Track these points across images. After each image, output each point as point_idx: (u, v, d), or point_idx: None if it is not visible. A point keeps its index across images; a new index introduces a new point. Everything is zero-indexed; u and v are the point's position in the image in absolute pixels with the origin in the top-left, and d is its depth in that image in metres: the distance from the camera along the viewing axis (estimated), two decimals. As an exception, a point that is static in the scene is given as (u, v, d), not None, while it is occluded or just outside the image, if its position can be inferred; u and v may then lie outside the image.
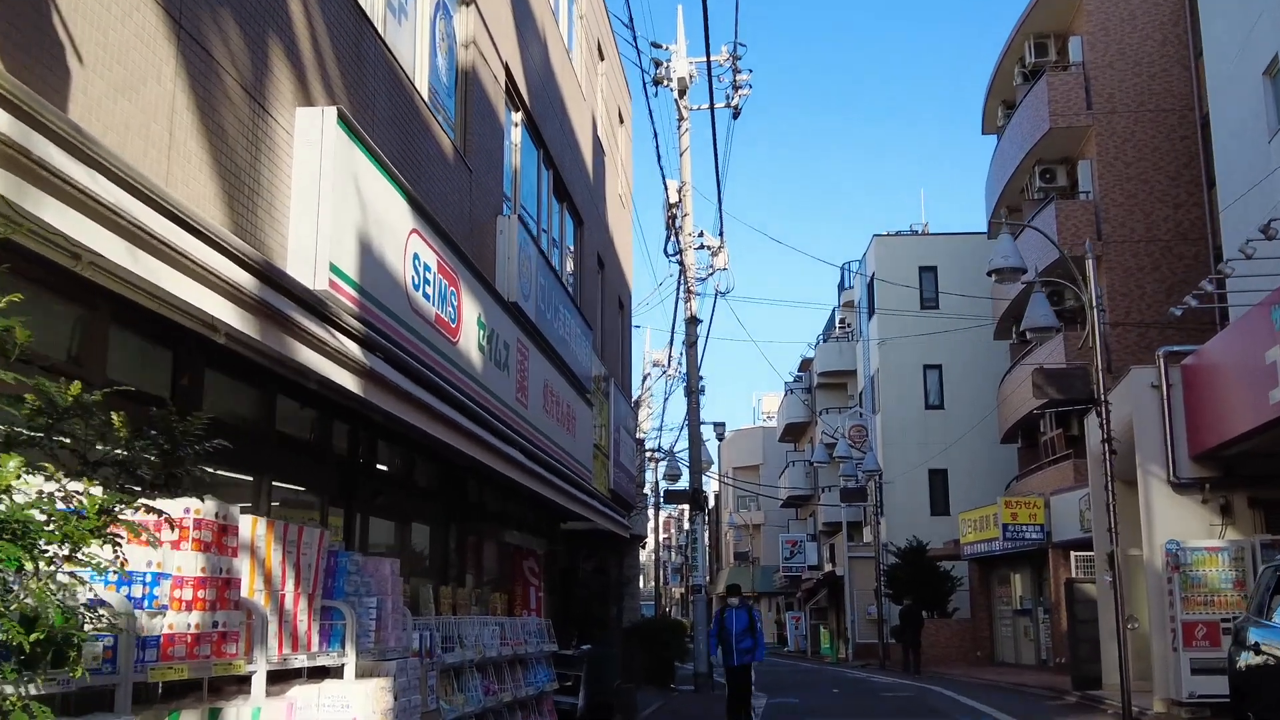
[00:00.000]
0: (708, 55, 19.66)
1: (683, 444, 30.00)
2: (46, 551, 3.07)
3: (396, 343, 7.38)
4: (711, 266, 25.45)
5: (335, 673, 5.91)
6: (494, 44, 11.66)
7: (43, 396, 3.23)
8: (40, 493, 3.11)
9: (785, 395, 58.30)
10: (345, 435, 8.22)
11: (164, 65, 5.21)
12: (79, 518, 3.11)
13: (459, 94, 10.69)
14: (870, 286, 42.47)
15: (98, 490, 3.19)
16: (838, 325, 51.23)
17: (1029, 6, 29.73)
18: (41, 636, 3.11)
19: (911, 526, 37.04)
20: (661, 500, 37.62)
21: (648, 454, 34.31)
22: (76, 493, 3.17)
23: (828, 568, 47.41)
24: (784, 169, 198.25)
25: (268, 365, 5.82)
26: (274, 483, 7.00)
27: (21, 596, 3.00)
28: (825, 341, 52.40)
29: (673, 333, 27.52)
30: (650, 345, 59.57)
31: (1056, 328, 17.77)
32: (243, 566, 5.06)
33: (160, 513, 3.46)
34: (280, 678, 5.56)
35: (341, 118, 6.69)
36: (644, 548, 34.60)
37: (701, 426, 26.52)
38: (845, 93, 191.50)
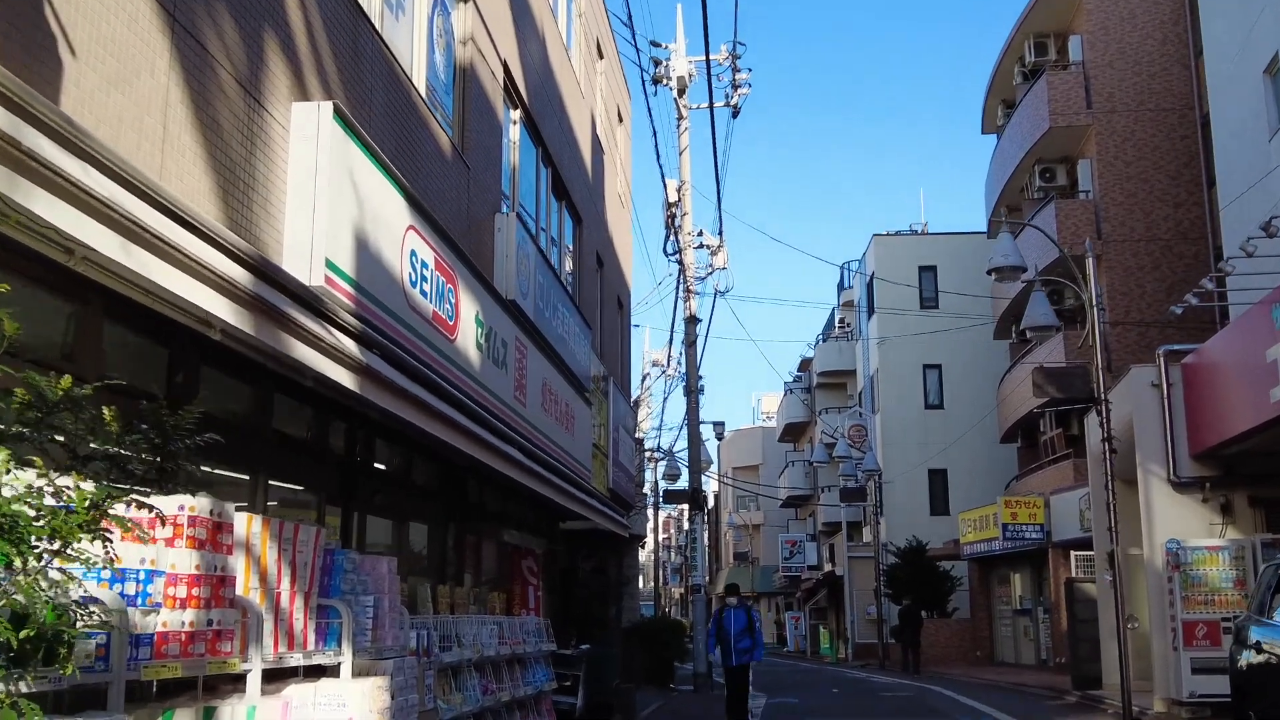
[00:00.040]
0: (707, 54, 19.63)
1: (682, 444, 29.98)
2: (36, 548, 3.03)
3: (394, 340, 7.33)
4: (711, 266, 25.43)
5: (331, 671, 5.88)
6: (492, 41, 11.62)
7: (32, 390, 3.19)
8: (29, 487, 3.07)
9: (785, 395, 58.27)
10: (343, 434, 8.18)
11: (158, 58, 5.16)
12: (68, 513, 3.07)
13: (457, 91, 10.64)
14: (870, 286, 42.45)
15: (88, 485, 3.16)
16: (837, 325, 51.19)
17: (1029, 6, 29.70)
18: (32, 634, 3.07)
19: (911, 526, 37.01)
20: (661, 500, 37.58)
21: (647, 454, 34.28)
22: (66, 487, 3.13)
23: (827, 568, 47.37)
24: (784, 169, 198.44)
25: (264, 362, 5.78)
26: (271, 481, 6.96)
27: (11, 593, 2.96)
28: (825, 341, 52.36)
29: (672, 332, 27.51)
30: (650, 345, 59.58)
31: (1056, 326, 17.74)
32: (238, 564, 5.02)
33: (151, 508, 3.41)
34: (276, 676, 5.52)
35: (338, 113, 6.65)
36: (643, 548, 34.56)
37: (701, 426, 26.49)
38: (845, 93, 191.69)
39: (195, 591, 4.55)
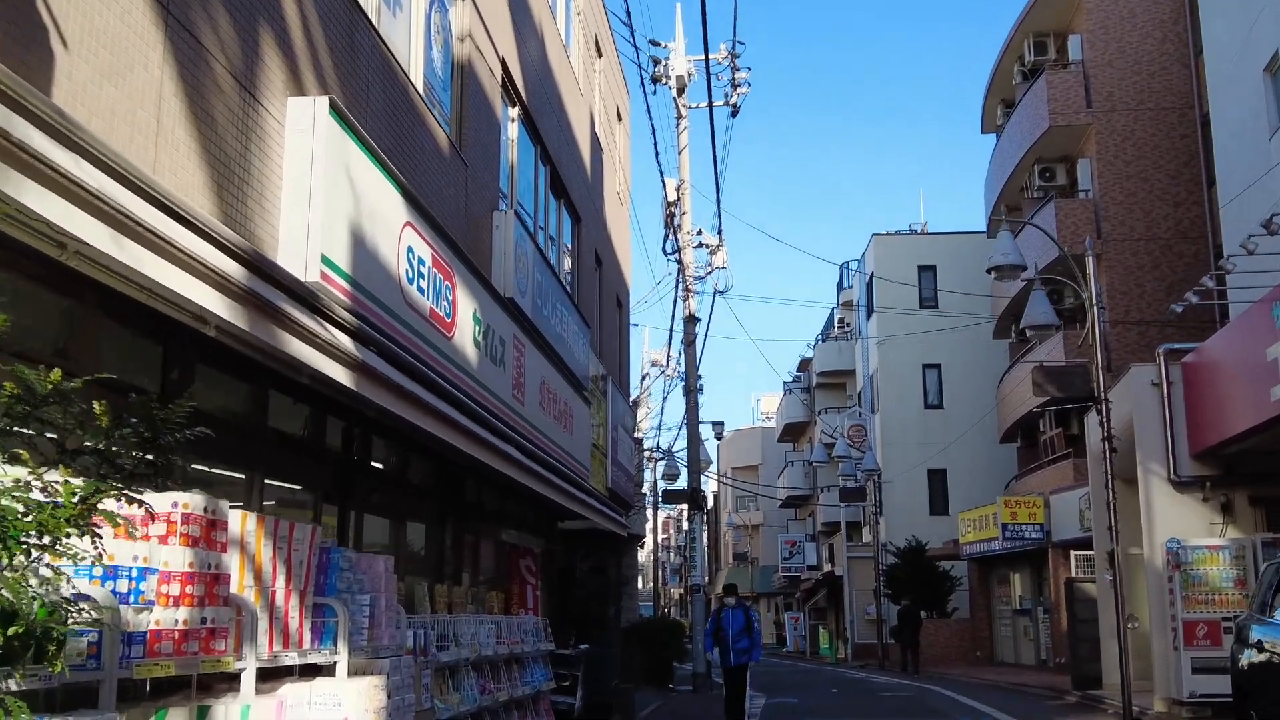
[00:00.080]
0: (706, 53, 19.58)
1: (681, 443, 29.95)
2: (24, 543, 2.98)
3: (390, 336, 7.29)
4: (710, 265, 25.40)
5: (327, 670, 5.84)
6: (490, 38, 11.58)
7: (20, 383, 3.15)
8: (17, 481, 3.03)
9: (784, 395, 58.24)
10: (339, 432, 8.13)
11: (151, 51, 5.12)
12: (55, 507, 3.02)
13: (455, 88, 10.60)
14: (869, 286, 42.41)
15: (76, 480, 3.11)
16: (836, 325, 51.14)
17: (1028, 5, 29.66)
18: (21, 630, 3.03)
19: (911, 526, 36.97)
20: (660, 500, 37.54)
21: (646, 453, 34.24)
22: (53, 482, 3.09)
23: (827, 568, 47.32)
24: (783, 168, 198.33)
25: (260, 359, 5.74)
26: (267, 480, 6.92)
27: (-2, 589, 2.92)
28: (824, 341, 52.32)
29: (671, 331, 27.43)
30: (649, 345, 59.45)
31: (1056, 325, 17.69)
32: (232, 562, 4.99)
33: (141, 503, 3.37)
34: (271, 675, 5.49)
35: (334, 107, 6.60)
36: (642, 548, 34.53)
37: (700, 426, 26.45)
38: (845, 93, 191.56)
39: (189, 589, 4.52)
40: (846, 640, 42.05)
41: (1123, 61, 27.78)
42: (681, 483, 31.23)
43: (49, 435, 3.31)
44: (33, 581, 3.08)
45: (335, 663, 5.82)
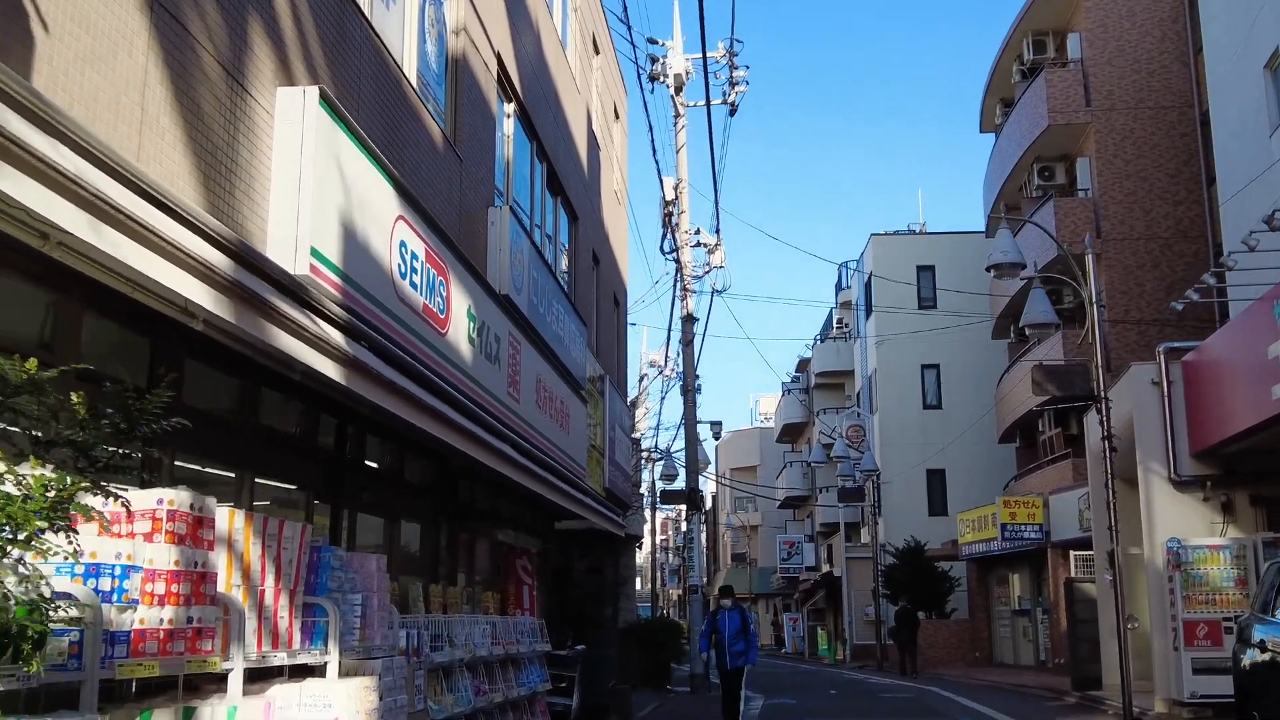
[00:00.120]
0: (703, 51, 19.46)
1: (679, 444, 29.85)
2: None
3: (382, 331, 7.18)
4: (708, 264, 25.31)
5: (318, 671, 5.75)
6: (485, 32, 11.47)
7: (-7, 373, 3.04)
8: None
9: (783, 396, 58.16)
10: (332, 429, 8.03)
11: (136, 37, 5.01)
12: (25, 500, 2.91)
13: (449, 82, 10.49)
14: (868, 286, 42.34)
15: (48, 471, 3.00)
16: (835, 325, 51.07)
17: (1027, 4, 29.59)
18: (-4, 630, 2.93)
19: (909, 527, 36.89)
20: (658, 501, 37.44)
21: (644, 454, 34.15)
22: (24, 475, 2.98)
23: (825, 568, 47.25)
24: (782, 168, 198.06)
25: (249, 355, 5.64)
26: (258, 478, 6.82)
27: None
28: (823, 341, 52.24)
29: (669, 331, 27.33)
30: (647, 345, 59.46)
31: (1056, 324, 17.62)
32: (219, 560, 4.91)
33: (115, 496, 3.26)
34: (260, 676, 5.41)
35: (324, 97, 6.49)
36: (640, 548, 34.44)
37: (698, 426, 26.36)
38: (844, 93, 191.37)
39: (174, 588, 4.44)
40: (845, 641, 41.98)
41: (1122, 60, 27.71)
42: (680, 483, 31.17)
43: (25, 428, 3.21)
44: (10, 580, 2.98)
45: (326, 663, 5.74)
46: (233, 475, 6.62)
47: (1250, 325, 14.89)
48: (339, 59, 7.52)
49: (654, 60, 23.92)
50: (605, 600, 20.89)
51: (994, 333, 35.12)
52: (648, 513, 37.17)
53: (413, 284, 7.94)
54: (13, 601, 2.92)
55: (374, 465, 9.09)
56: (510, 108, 13.16)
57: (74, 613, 3.72)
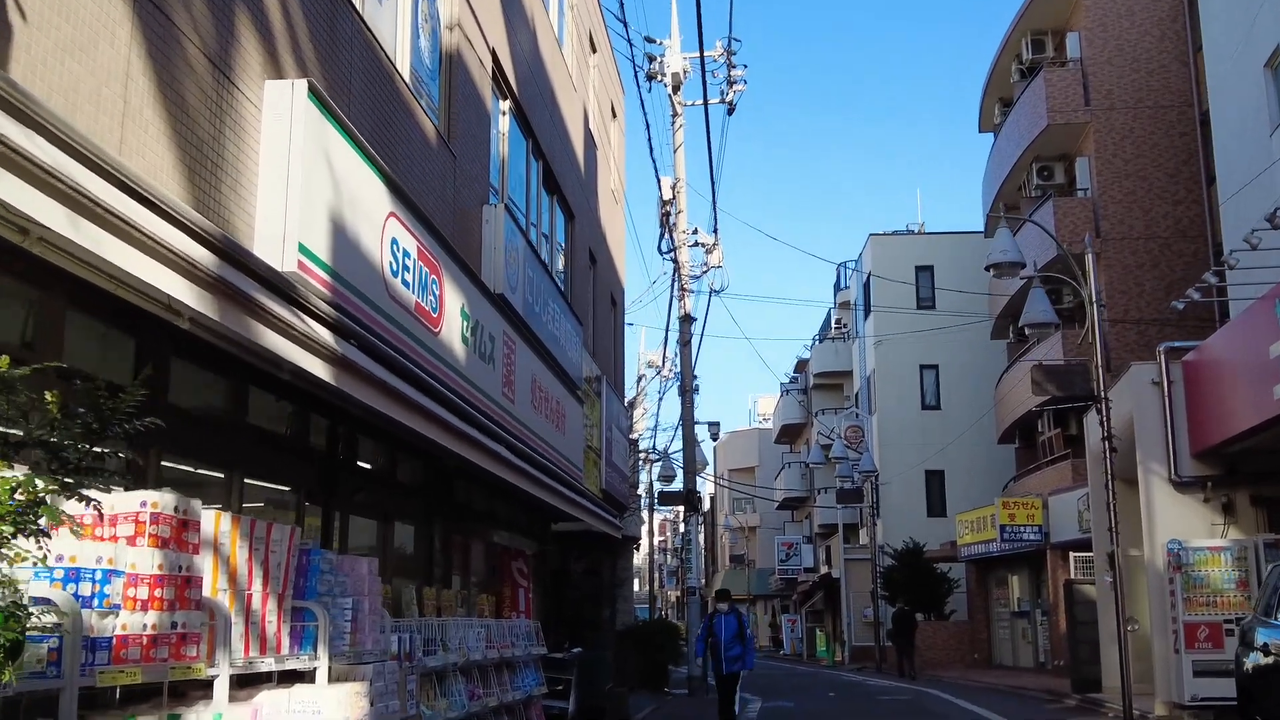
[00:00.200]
0: (701, 49, 19.39)
1: (677, 445, 29.73)
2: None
3: (372, 330, 7.05)
4: (706, 264, 25.21)
5: (307, 677, 5.65)
6: (480, 28, 11.35)
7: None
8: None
9: (781, 396, 58.06)
10: (323, 430, 7.91)
11: (118, 27, 4.88)
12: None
13: (443, 78, 10.36)
14: (866, 286, 42.26)
15: (16, 473, 2.88)
16: (834, 326, 50.99)
17: (1026, 3, 29.52)
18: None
19: (908, 528, 36.80)
20: (656, 502, 37.35)
21: (642, 455, 34.04)
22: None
23: (824, 570, 47.18)
24: (782, 168, 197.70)
25: (236, 354, 5.52)
26: (247, 479, 6.70)
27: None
28: (821, 342, 52.15)
29: (667, 331, 27.25)
30: (645, 346, 59.38)
31: (1055, 324, 17.52)
32: (205, 564, 4.81)
33: (87, 499, 3.14)
34: (248, 682, 5.30)
35: (313, 91, 6.36)
36: (638, 550, 34.33)
37: (696, 427, 26.26)
38: (844, 92, 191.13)
39: (158, 592, 4.35)
40: (843, 643, 41.90)
41: (1121, 59, 27.62)
42: (677, 484, 31.08)
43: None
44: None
45: (315, 669, 5.63)
46: (222, 476, 6.51)
47: (1251, 325, 14.80)
48: (330, 53, 7.40)
49: (651, 59, 23.81)
50: (602, 602, 20.79)
51: (993, 333, 35.04)
52: (645, 514, 37.06)
53: (405, 282, 7.82)
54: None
55: (367, 466, 8.97)
56: (505, 105, 13.04)
57: (53, 619, 3.63)
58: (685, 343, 24.65)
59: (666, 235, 24.73)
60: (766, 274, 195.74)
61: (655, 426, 65.27)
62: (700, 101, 23.13)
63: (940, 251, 40.97)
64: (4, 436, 3.06)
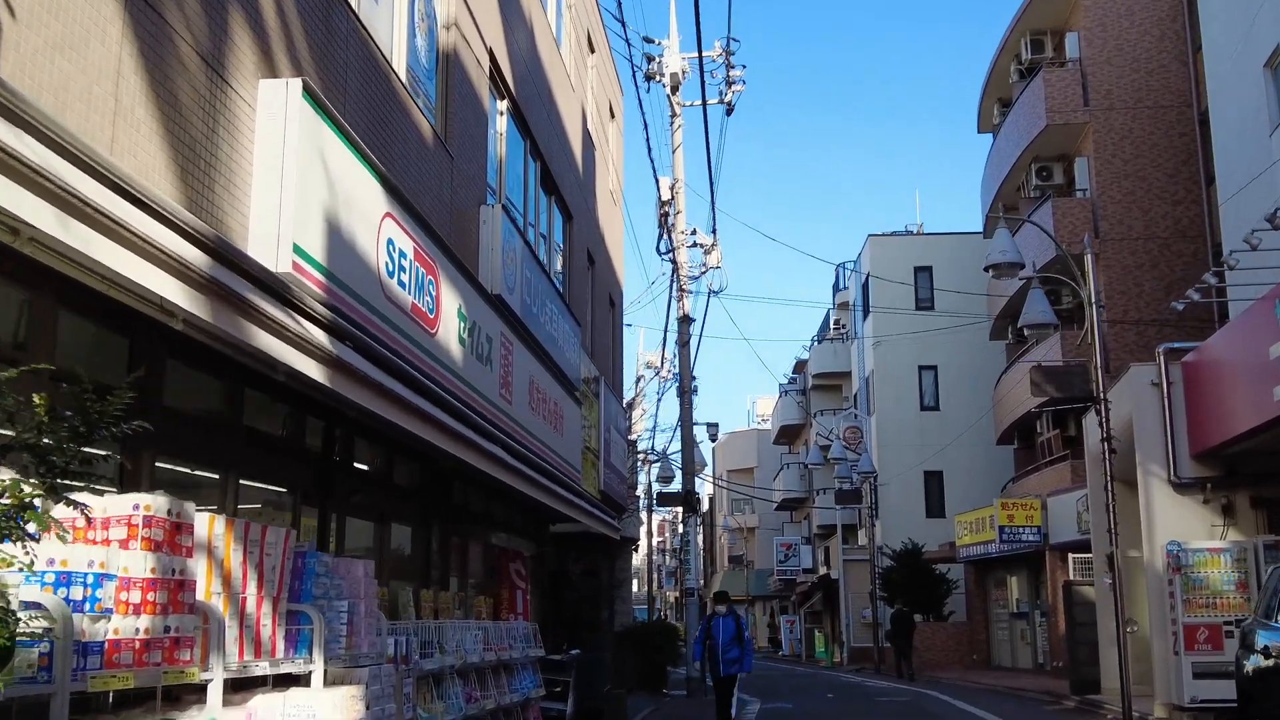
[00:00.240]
0: (699, 49, 19.35)
1: (676, 446, 29.68)
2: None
3: (368, 331, 7.00)
4: (704, 265, 25.18)
5: (303, 681, 5.60)
6: (477, 27, 11.30)
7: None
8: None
9: (780, 397, 58.01)
10: (319, 431, 7.86)
11: (109, 24, 4.83)
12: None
13: (440, 77, 10.31)
14: (865, 287, 42.22)
15: (2, 476, 2.84)
16: (832, 327, 50.95)
17: (1026, 3, 29.48)
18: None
19: (907, 529, 36.77)
20: (654, 503, 37.32)
21: (640, 456, 34.00)
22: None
23: (822, 571, 47.14)
24: (781, 168, 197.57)
25: (231, 355, 5.48)
26: (242, 480, 6.65)
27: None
28: (820, 343, 52.12)
29: (665, 331, 27.20)
30: (644, 347, 59.31)
31: (1054, 324, 17.48)
32: (198, 567, 4.78)
33: (73, 503, 3.09)
34: (242, 686, 5.26)
35: (307, 90, 6.31)
36: (636, 551, 34.28)
37: (694, 428, 26.23)
38: (843, 93, 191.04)
39: (151, 596, 4.32)
40: (842, 644, 41.87)
41: (1120, 59, 27.59)
42: (676, 485, 31.02)
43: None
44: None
45: (310, 672, 5.59)
46: (217, 478, 6.46)
47: (1251, 325, 14.77)
48: (325, 52, 7.35)
49: (650, 59, 23.78)
50: (601, 603, 20.75)
51: (992, 334, 35.02)
52: (644, 515, 37.02)
53: (401, 283, 7.77)
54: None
55: (363, 468, 8.93)
56: (503, 105, 12.99)
57: (44, 623, 3.59)
58: (684, 343, 24.62)
59: (665, 236, 24.70)
60: (765, 275, 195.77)
61: (654, 427, 65.26)
62: (699, 102, 23.09)
63: (939, 252, 40.94)
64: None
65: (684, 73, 24.20)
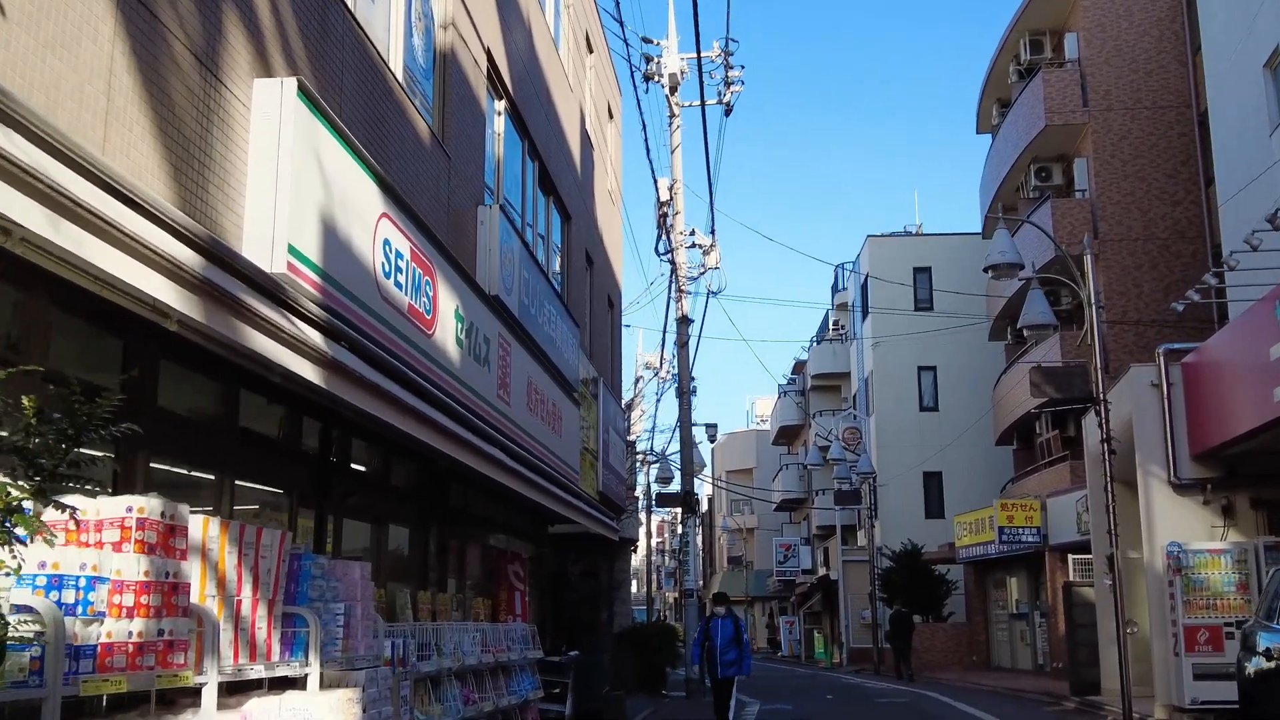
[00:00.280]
0: (698, 49, 19.32)
1: (675, 446, 29.65)
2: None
3: (364, 332, 6.96)
4: (703, 265, 25.14)
5: (299, 683, 5.57)
6: (475, 27, 11.26)
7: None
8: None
9: (779, 398, 57.99)
10: (316, 433, 7.82)
11: (101, 23, 4.79)
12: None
13: (437, 77, 10.27)
14: (864, 287, 42.20)
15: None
16: (831, 327, 50.92)
17: (1025, 3, 29.46)
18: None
19: (906, 529, 36.74)
20: (653, 504, 37.29)
21: (639, 456, 33.97)
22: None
23: (822, 571, 47.10)
24: (780, 169, 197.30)
25: (226, 356, 5.44)
26: (238, 482, 6.62)
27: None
28: (819, 343, 52.09)
29: (664, 332, 27.17)
30: (643, 347, 59.29)
31: (1054, 325, 17.45)
32: (193, 570, 4.74)
33: (61, 506, 3.05)
34: (237, 689, 5.23)
35: (303, 89, 6.27)
36: (635, 552, 34.22)
37: (693, 428, 26.20)
38: (843, 93, 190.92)
39: (144, 599, 4.28)
40: (841, 645, 41.83)
41: (1119, 60, 27.56)
42: (675, 486, 30.98)
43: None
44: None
45: (306, 675, 5.56)
46: (213, 479, 6.43)
47: (1251, 326, 14.74)
48: (320, 51, 7.31)
49: (648, 60, 23.73)
50: (599, 605, 20.70)
51: (991, 334, 34.99)
52: (643, 516, 36.98)
53: (397, 283, 7.73)
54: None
55: (360, 469, 8.89)
56: (501, 105, 12.96)
57: (35, 627, 3.56)
58: (683, 344, 24.59)
59: (663, 236, 24.67)
60: (764, 275, 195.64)
61: (653, 428, 65.27)
62: (698, 103, 23.07)
63: (938, 253, 40.92)
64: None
65: (683, 73, 24.16)
